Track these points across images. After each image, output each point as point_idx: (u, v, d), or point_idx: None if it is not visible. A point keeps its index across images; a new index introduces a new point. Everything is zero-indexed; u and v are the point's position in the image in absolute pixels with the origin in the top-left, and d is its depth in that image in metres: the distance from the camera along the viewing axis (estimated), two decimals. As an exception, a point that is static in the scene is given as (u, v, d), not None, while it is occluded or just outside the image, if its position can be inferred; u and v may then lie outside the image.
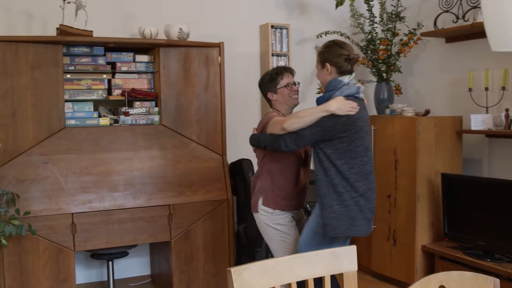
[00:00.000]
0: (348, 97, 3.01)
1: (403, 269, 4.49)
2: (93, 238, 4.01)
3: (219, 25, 4.98)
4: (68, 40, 3.96)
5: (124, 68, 4.31)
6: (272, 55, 5.04)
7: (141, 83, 4.36)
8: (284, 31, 5.07)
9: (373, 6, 4.99)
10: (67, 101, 4.08)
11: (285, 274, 1.72)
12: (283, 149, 3.07)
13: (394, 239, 4.57)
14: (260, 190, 3.37)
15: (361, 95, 3.13)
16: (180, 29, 4.32)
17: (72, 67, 4.13)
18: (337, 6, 4.83)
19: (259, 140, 3.27)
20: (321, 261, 1.71)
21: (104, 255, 4.30)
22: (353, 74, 3.11)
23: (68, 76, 4.11)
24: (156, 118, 4.30)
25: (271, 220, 3.34)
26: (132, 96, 4.26)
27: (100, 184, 4.07)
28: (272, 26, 5.01)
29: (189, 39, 4.43)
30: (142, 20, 4.61)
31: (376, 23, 5.04)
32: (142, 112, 4.28)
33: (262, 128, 3.30)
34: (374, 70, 5.05)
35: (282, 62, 5.07)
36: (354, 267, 1.74)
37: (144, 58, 4.37)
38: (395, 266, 4.58)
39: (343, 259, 1.73)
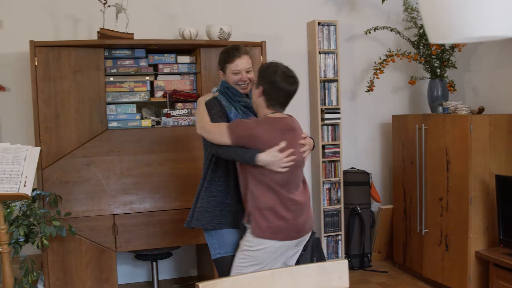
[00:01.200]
0: None
1: (456, 277, 4.24)
2: (134, 239, 4.04)
3: (263, 24, 4.89)
4: (109, 43, 4.00)
5: (166, 70, 4.31)
6: (320, 53, 4.89)
7: (184, 84, 4.34)
8: (332, 28, 4.91)
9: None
10: (109, 103, 4.13)
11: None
12: None
13: (446, 244, 4.32)
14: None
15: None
16: (221, 29, 4.27)
17: (115, 70, 4.17)
18: (383, 0, 4.62)
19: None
20: (306, 275, 1.58)
21: (148, 256, 4.33)
22: None
23: (111, 78, 4.16)
24: (197, 119, 4.27)
25: None
26: (174, 98, 4.25)
27: (141, 186, 4.09)
28: (318, 23, 4.87)
29: (232, 39, 4.38)
30: (185, 21, 4.60)
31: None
32: (183, 113, 4.26)
33: None
34: (427, 66, 4.80)
35: (330, 60, 4.91)
36: (346, 283, 1.59)
37: (186, 59, 4.35)
38: (447, 273, 4.34)
39: (332, 274, 1.60)
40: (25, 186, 3.15)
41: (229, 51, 3.00)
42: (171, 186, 4.14)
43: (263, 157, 2.65)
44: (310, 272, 1.60)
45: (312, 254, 4.48)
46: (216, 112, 2.88)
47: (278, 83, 2.73)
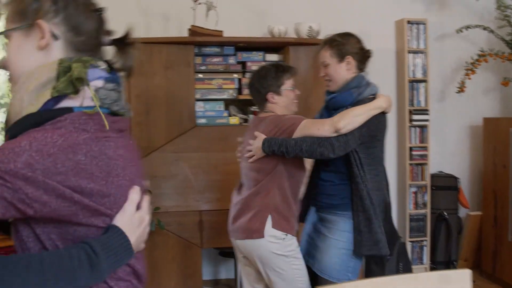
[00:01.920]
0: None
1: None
2: (219, 236, 4.04)
3: (351, 22, 4.77)
4: (199, 40, 4.03)
5: (254, 68, 4.29)
6: (409, 52, 4.76)
7: (271, 82, 4.32)
8: (421, 27, 4.77)
9: (523, -3, 4.55)
10: (198, 100, 4.16)
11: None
12: (329, 156, 2.57)
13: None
14: (266, 209, 2.70)
15: None
16: (310, 27, 4.23)
17: (204, 67, 4.20)
18: (479, -3, 4.46)
19: (285, 146, 2.61)
20: (426, 282, 1.50)
21: (231, 254, 4.32)
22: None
23: (200, 75, 4.19)
24: (285, 117, 4.24)
25: (282, 248, 2.69)
26: (261, 95, 4.23)
27: (227, 183, 4.08)
28: (408, 22, 4.74)
29: (320, 37, 4.32)
30: (273, 18, 4.57)
31: (527, 14, 4.58)
32: (270, 111, 4.24)
33: (283, 132, 2.69)
34: (522, 66, 4.59)
35: (419, 60, 4.77)
36: (468, 293, 1.50)
37: (274, 57, 4.33)
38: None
39: (455, 284, 1.50)
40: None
41: None
42: (258, 184, 4.12)
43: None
44: (431, 279, 1.52)
45: (397, 260, 4.35)
46: None
47: None
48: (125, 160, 1.25)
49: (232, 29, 4.36)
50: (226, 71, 4.24)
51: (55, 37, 1.22)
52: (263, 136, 2.70)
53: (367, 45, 4.76)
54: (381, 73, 4.89)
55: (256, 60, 4.30)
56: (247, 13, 4.64)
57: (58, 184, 1.08)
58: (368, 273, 4.45)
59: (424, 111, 4.78)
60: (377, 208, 2.68)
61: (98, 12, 1.30)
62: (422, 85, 4.80)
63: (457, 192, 4.97)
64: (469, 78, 4.64)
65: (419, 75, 4.79)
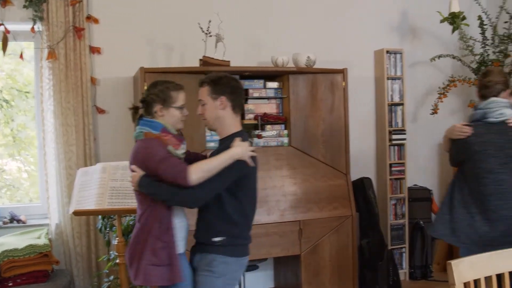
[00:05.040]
0: (477, 122, 3.36)
1: None
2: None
3: (336, 52, 5.27)
4: (210, 70, 4.36)
5: (255, 94, 4.68)
6: (387, 78, 5.29)
7: (271, 108, 4.71)
8: (398, 56, 5.32)
9: (486, 30, 5.17)
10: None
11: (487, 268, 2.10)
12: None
13: None
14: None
15: (493, 119, 3.31)
16: (308, 57, 4.65)
17: (211, 94, 4.52)
18: (453, 30, 5.05)
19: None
20: None
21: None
22: (491, 98, 3.35)
23: (207, 102, 4.50)
24: (286, 140, 4.64)
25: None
26: (265, 120, 4.61)
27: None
28: (387, 51, 5.27)
29: (316, 66, 4.74)
30: (271, 49, 4.97)
31: (487, 45, 5.21)
32: (273, 134, 4.62)
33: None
34: (486, 90, 5.21)
35: (396, 86, 5.32)
36: None
37: (274, 84, 4.72)
38: None
39: None
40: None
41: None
42: (265, 202, 4.46)
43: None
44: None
45: (388, 264, 4.84)
46: None
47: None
48: None
49: (233, 59, 4.70)
50: (231, 98, 4.58)
51: None
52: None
53: (351, 73, 5.24)
54: (361, 97, 5.40)
55: (257, 87, 4.68)
56: (247, 44, 5.01)
57: None
58: (362, 278, 4.91)
59: (401, 131, 5.33)
60: None
61: None
62: (399, 108, 5.35)
63: (430, 202, 5.54)
64: (441, 101, 5.23)
65: (396, 99, 5.34)
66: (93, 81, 4.62)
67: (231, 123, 2.95)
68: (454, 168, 3.90)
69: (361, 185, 4.89)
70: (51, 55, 4.41)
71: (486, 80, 3.39)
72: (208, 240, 2.84)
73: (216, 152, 2.86)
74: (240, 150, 2.78)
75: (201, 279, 2.86)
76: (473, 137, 3.29)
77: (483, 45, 5.22)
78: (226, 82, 2.93)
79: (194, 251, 2.98)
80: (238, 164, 2.77)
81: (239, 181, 2.82)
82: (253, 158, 2.88)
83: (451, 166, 3.60)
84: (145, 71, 4.24)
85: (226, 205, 2.81)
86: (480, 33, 5.21)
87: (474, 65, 5.29)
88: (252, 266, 4.68)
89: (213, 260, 2.83)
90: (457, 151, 3.41)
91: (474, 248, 3.16)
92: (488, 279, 2.11)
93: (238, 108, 2.96)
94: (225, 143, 2.86)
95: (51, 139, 4.48)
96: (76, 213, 3.58)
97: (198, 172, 2.66)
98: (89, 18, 4.58)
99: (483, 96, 3.40)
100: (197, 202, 2.78)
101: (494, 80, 3.36)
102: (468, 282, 2.04)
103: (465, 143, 3.32)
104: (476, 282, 2.08)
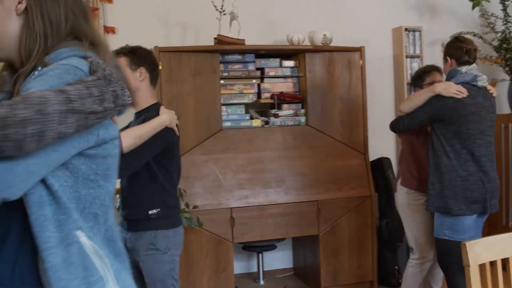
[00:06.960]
0: (464, 84, 3.36)
1: None
2: (249, 231, 4.33)
3: (353, 30, 5.18)
4: (225, 48, 4.31)
5: (271, 73, 4.61)
6: (406, 57, 5.19)
7: (287, 87, 4.64)
8: (417, 34, 5.21)
9: (508, 6, 5.04)
10: (222, 104, 4.43)
11: (504, 249, 1.96)
12: (400, 128, 3.64)
13: None
14: None
15: (481, 84, 3.40)
16: (324, 35, 4.57)
17: (226, 74, 4.47)
18: (473, 7, 4.93)
19: None
20: None
21: (256, 248, 4.61)
22: (473, 64, 3.44)
23: (222, 81, 4.46)
24: (303, 119, 4.57)
25: None
26: (281, 99, 4.55)
27: (254, 181, 4.38)
28: (405, 29, 5.17)
29: (332, 44, 4.66)
30: (286, 27, 4.90)
31: (510, 22, 5.08)
32: (289, 114, 4.56)
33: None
34: (507, 69, 5.09)
35: (415, 64, 5.21)
36: None
37: (290, 63, 4.66)
38: None
39: None
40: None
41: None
42: (282, 181, 4.42)
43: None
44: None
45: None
46: None
47: None
48: None
49: (250, 38, 4.64)
50: (246, 77, 4.53)
51: None
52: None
53: (367, 51, 5.13)
54: (380, 76, 5.31)
55: (273, 66, 4.62)
56: (262, 22, 4.94)
57: None
58: (381, 259, 4.84)
59: (421, 111, 5.22)
60: None
61: None
62: (418, 87, 5.23)
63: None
64: (462, 80, 5.10)
65: (415, 78, 5.22)
66: (108, 61, 4.58)
67: (149, 95, 2.88)
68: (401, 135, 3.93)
69: (380, 165, 4.79)
70: (66, 35, 4.37)
71: (469, 46, 3.46)
72: (144, 215, 2.77)
73: (137, 124, 2.75)
74: (168, 117, 2.74)
75: (146, 259, 2.78)
76: (468, 98, 3.32)
77: (504, 22, 5.09)
78: (144, 53, 2.88)
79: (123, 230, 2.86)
80: (166, 132, 2.73)
81: (167, 150, 2.78)
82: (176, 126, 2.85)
83: (406, 128, 3.61)
84: (159, 51, 4.20)
85: (159, 175, 2.77)
86: (502, 10, 5.07)
87: (495, 43, 5.16)
88: (270, 246, 4.65)
89: (154, 236, 2.76)
90: (442, 111, 3.38)
91: (467, 212, 3.31)
92: (505, 260, 2.02)
93: (155, 80, 2.92)
94: (145, 115, 2.77)
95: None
96: None
97: (129, 139, 2.54)
98: (103, -3, 4.56)
99: (466, 62, 3.45)
100: (129, 170, 2.64)
101: (474, 47, 3.49)
102: (484, 264, 1.97)
103: (459, 103, 3.32)
104: (492, 263, 1.99)
